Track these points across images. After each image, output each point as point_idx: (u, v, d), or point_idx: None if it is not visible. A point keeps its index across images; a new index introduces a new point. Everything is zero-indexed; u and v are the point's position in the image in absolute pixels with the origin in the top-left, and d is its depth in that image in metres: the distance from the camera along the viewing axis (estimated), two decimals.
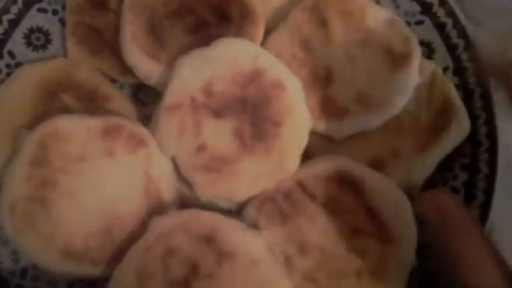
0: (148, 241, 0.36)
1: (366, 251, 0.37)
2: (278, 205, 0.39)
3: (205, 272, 0.35)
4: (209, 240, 0.36)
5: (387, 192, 0.38)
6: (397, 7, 0.48)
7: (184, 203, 0.41)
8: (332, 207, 0.38)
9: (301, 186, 0.39)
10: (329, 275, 0.37)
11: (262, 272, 0.35)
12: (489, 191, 0.41)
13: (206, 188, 0.39)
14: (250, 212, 0.39)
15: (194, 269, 0.35)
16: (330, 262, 0.37)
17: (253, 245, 0.36)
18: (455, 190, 0.43)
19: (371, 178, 0.39)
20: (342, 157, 0.40)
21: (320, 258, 0.37)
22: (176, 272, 0.35)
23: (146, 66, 0.43)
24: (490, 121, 0.43)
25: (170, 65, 0.41)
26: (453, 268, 0.30)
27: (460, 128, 0.42)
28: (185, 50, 0.42)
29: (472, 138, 0.43)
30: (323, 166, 0.39)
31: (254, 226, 0.38)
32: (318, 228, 0.38)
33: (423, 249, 0.37)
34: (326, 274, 0.37)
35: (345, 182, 0.39)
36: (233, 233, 0.36)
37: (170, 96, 0.39)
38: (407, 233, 0.37)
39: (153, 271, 0.35)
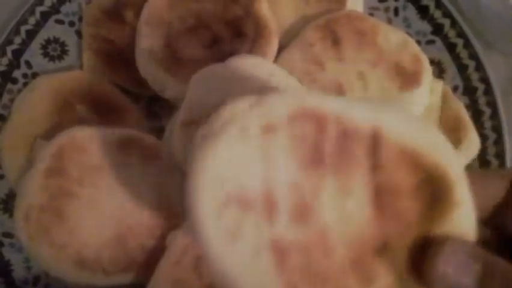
0: (175, 255, 0.37)
1: None
2: None
3: None
4: None
5: None
6: (408, 26, 0.48)
7: None
8: None
9: None
10: None
11: None
12: None
13: None
14: None
15: None
16: None
17: None
18: None
19: None
20: None
21: None
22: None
23: (161, 79, 0.43)
24: (499, 141, 0.43)
25: (185, 79, 0.42)
26: None
27: (469, 148, 0.42)
28: (201, 64, 0.42)
29: (481, 158, 0.43)
30: None
31: None
32: None
33: None
34: None
35: None
36: None
37: (186, 112, 0.40)
38: None
39: (187, 280, 0.36)
